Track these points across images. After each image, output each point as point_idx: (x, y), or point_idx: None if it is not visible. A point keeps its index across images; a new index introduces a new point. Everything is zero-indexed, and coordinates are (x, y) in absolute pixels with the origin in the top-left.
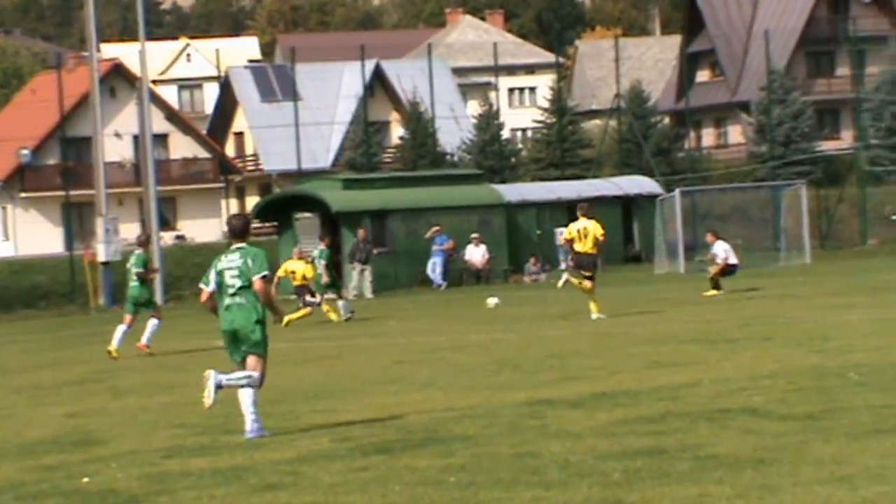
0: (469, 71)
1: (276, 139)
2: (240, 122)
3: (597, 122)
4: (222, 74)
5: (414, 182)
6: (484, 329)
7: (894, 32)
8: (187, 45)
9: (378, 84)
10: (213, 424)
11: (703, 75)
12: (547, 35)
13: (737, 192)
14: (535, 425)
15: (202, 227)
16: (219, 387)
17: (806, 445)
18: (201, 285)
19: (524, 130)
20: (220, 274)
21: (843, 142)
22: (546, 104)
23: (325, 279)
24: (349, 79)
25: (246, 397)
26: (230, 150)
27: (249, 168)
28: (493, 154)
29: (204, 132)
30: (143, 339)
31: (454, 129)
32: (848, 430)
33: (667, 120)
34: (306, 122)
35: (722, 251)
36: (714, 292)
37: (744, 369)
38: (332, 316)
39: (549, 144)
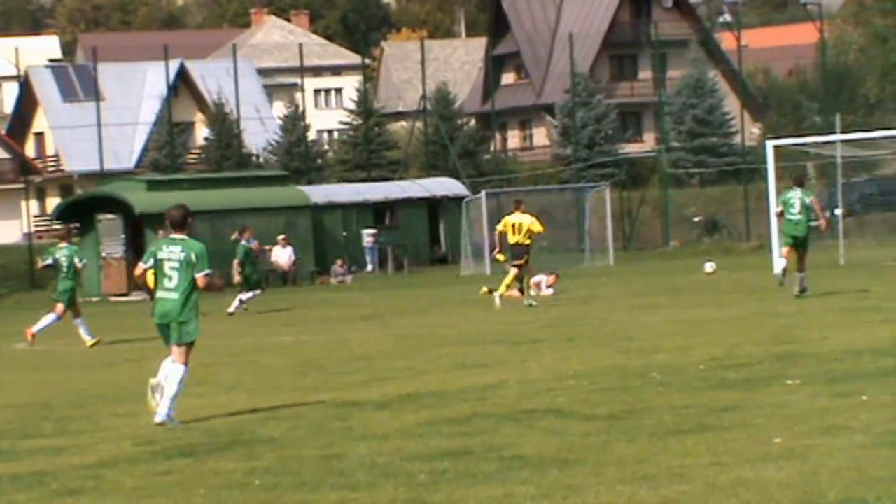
0: (274, 72)
1: (78, 139)
2: (40, 122)
3: (403, 123)
4: (22, 74)
5: (219, 183)
6: (290, 331)
7: (695, 37)
8: None
9: (182, 84)
10: (11, 429)
11: (508, 78)
12: (353, 36)
13: (542, 194)
14: (341, 427)
15: (1, 229)
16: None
17: (609, 445)
18: (141, 263)
19: (330, 132)
20: (159, 263)
21: (646, 144)
22: (352, 106)
23: (236, 278)
24: (153, 79)
25: (171, 384)
26: (30, 150)
27: (50, 169)
28: (299, 155)
29: (2, 132)
30: None
31: (260, 130)
32: (650, 430)
33: (473, 122)
34: (109, 123)
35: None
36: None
37: (549, 370)
38: None
39: (356, 146)
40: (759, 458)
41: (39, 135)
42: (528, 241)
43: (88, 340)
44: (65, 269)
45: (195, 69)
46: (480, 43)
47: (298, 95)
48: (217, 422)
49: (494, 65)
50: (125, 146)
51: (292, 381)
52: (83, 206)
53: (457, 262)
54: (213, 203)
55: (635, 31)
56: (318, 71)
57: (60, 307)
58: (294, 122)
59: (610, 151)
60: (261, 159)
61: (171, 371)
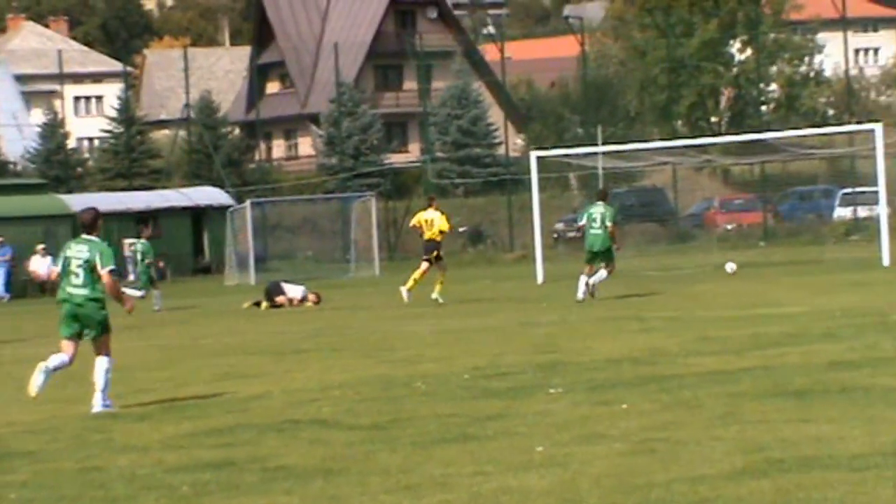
0: (33, 78)
1: None
2: None
3: (166, 132)
4: None
5: None
6: (47, 342)
7: (459, 48)
8: None
9: None
10: None
11: (273, 87)
12: (114, 43)
13: (307, 204)
14: (100, 439)
15: None
16: (48, 374)
17: (373, 455)
18: (51, 266)
19: (91, 140)
20: (66, 260)
21: (411, 154)
22: (114, 113)
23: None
24: None
25: (99, 371)
26: None
27: None
28: (58, 163)
29: None
30: None
31: (17, 137)
32: (414, 440)
33: (237, 131)
34: None
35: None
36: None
37: (313, 380)
38: None
39: (117, 154)
40: (521, 466)
41: None
42: (438, 238)
43: None
44: None
45: None
46: (245, 51)
47: (58, 102)
48: None
49: (259, 74)
50: None
51: (50, 392)
52: None
53: (221, 272)
54: None
55: (400, 41)
56: (78, 78)
57: None
58: (53, 130)
59: (375, 161)
60: (18, 167)
61: (97, 365)
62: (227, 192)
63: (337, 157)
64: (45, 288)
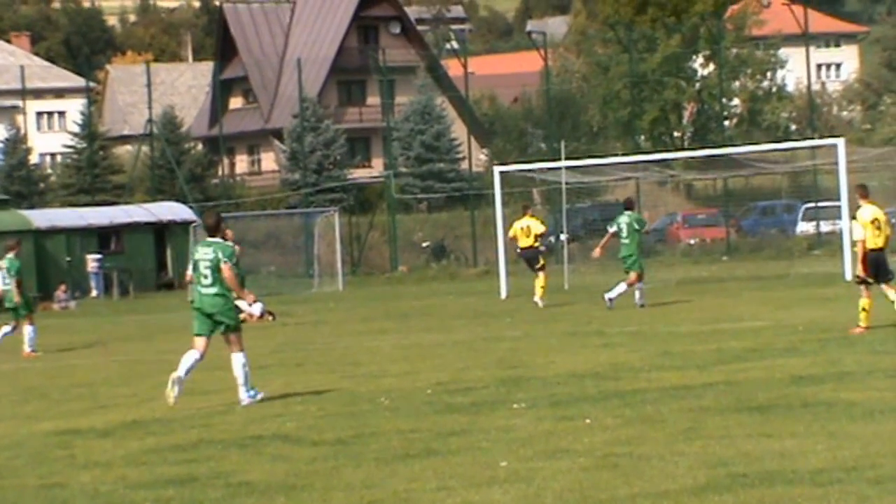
0: None
1: None
2: None
3: (129, 147)
4: None
5: None
6: (9, 358)
7: (422, 63)
8: None
9: None
10: None
11: (236, 102)
12: (76, 59)
13: (270, 219)
14: (63, 455)
15: None
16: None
17: (337, 471)
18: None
19: (53, 155)
20: (195, 264)
21: (375, 169)
22: (76, 129)
23: (16, 298)
24: None
25: (237, 367)
26: None
27: None
28: (20, 179)
29: None
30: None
31: None
32: (378, 455)
33: (200, 146)
34: None
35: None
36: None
37: (276, 396)
38: None
39: (80, 170)
40: (485, 481)
41: None
42: (535, 244)
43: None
44: None
45: None
46: (207, 67)
47: (20, 118)
48: None
49: (222, 89)
50: None
51: (12, 408)
52: None
53: (184, 288)
54: None
55: (363, 56)
56: (40, 93)
57: None
58: (15, 146)
59: (339, 177)
60: None
61: (234, 362)
62: (191, 207)
63: (300, 172)
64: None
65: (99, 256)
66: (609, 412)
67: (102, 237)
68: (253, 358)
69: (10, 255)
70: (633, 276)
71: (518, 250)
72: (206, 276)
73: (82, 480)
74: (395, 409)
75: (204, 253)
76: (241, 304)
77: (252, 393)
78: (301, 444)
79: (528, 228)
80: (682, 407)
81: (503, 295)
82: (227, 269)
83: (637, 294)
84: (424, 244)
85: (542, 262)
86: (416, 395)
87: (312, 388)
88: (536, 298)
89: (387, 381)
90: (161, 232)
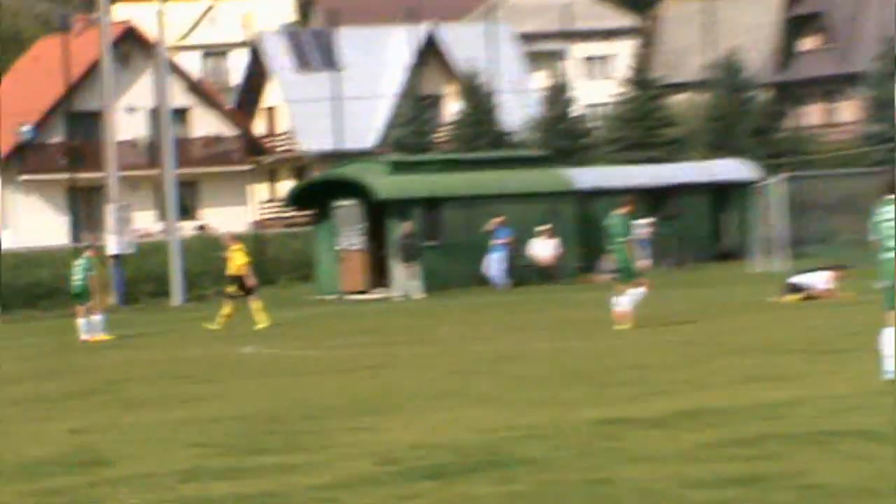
0: (537, 37)
1: (312, 115)
2: (271, 96)
3: (684, 96)
4: (251, 40)
5: (471, 165)
6: (551, 336)
7: None
8: (211, 6)
9: (430, 52)
10: (236, 444)
11: (808, 42)
12: None
13: (848, 179)
14: (609, 447)
15: (227, 216)
16: None
17: None
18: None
19: (599, 106)
20: (876, 226)
21: None
22: (625, 76)
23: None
24: (397, 46)
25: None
26: (259, 127)
27: (282, 148)
28: (562, 133)
29: (230, 107)
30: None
31: (518, 104)
32: None
33: (766, 94)
34: (348, 96)
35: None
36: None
37: (855, 385)
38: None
39: (629, 123)
40: None
41: (270, 109)
42: None
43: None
44: None
45: (445, 34)
46: (775, 2)
47: (563, 64)
48: (468, 439)
49: (791, 27)
50: (365, 123)
51: (553, 393)
52: (318, 192)
53: (745, 258)
54: (465, 188)
55: None
56: (586, 36)
57: None
58: (557, 95)
59: None
60: (519, 138)
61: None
62: (753, 165)
63: (884, 123)
64: (548, 275)
65: (650, 222)
66: None
67: (654, 200)
68: (826, 340)
69: (89, 254)
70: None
71: None
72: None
73: (631, 476)
74: None
75: (887, 213)
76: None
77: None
78: (886, 442)
79: None
80: None
81: None
82: None
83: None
84: None
85: None
86: None
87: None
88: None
89: None
90: (719, 194)
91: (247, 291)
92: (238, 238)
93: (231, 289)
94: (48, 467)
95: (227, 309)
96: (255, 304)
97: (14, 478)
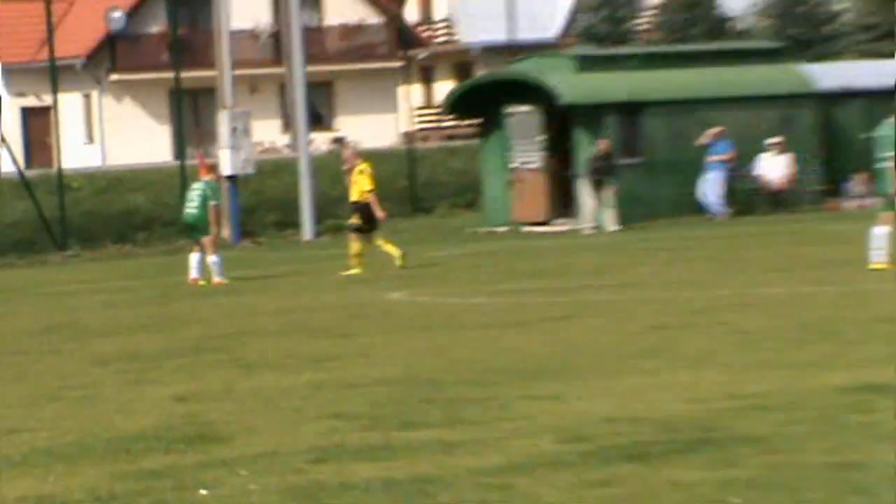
0: None
1: None
2: None
3: None
4: None
5: (681, 61)
6: (784, 279)
7: None
8: None
9: None
10: (384, 415)
11: None
12: None
13: None
14: (859, 422)
15: (371, 126)
16: None
17: None
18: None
19: None
20: None
21: None
22: None
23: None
24: None
25: None
26: (412, 13)
27: (440, 40)
28: (800, 19)
29: None
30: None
31: None
32: None
33: None
34: None
35: None
36: None
37: None
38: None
39: (886, 4)
40: None
41: None
42: None
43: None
44: None
45: None
46: None
47: None
48: (677, 410)
49: None
50: (545, 7)
51: (786, 352)
52: (486, 95)
53: None
54: (673, 90)
55: None
56: None
57: None
58: None
59: None
60: (743, 25)
61: None
62: None
63: None
64: (780, 201)
65: None
66: None
67: None
68: None
69: (209, 177)
70: None
71: None
72: None
73: (888, 460)
74: None
75: None
76: None
77: None
78: None
79: None
80: None
81: None
82: None
83: None
84: None
85: None
86: None
87: None
88: None
89: None
90: None
91: (371, 226)
92: (363, 155)
93: (354, 219)
94: (147, 443)
95: (355, 246)
96: (380, 241)
97: (105, 456)
